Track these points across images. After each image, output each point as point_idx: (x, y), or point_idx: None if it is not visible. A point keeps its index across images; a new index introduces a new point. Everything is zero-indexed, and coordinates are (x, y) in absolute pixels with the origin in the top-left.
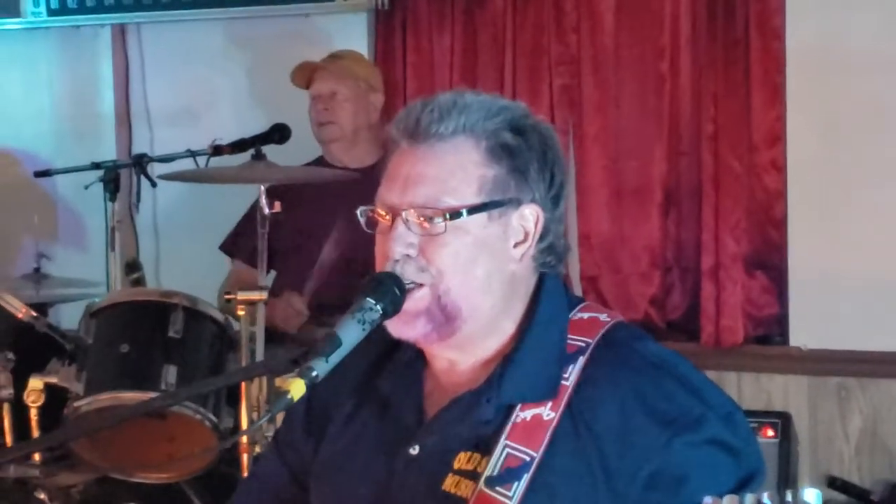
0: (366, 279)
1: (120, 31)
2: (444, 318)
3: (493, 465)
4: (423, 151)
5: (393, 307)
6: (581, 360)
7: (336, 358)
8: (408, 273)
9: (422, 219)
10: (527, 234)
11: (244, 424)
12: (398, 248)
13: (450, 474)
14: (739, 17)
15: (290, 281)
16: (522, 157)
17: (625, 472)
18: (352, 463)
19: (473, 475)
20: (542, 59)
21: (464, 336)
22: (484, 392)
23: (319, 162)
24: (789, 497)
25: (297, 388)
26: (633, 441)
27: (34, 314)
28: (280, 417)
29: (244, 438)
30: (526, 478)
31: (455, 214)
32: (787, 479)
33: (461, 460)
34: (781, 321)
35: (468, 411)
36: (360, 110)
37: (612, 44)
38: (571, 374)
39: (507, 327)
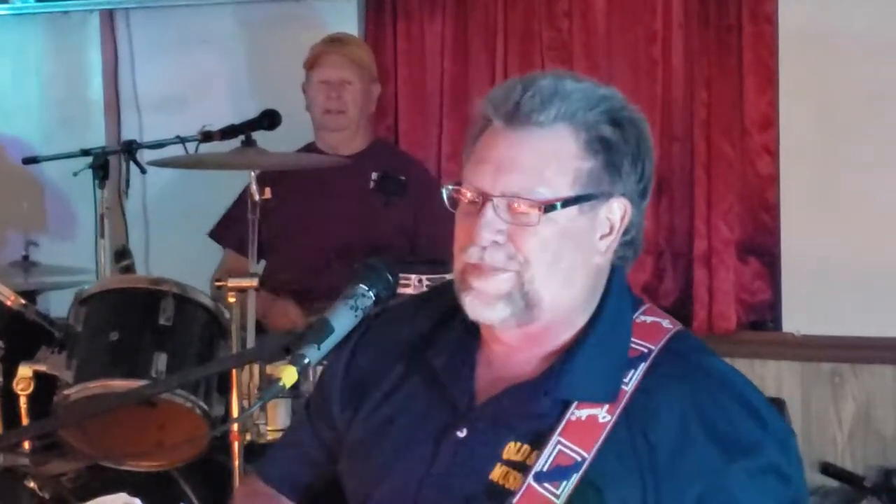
0: (358, 265)
1: (108, 17)
2: (525, 304)
3: (543, 461)
4: (520, 137)
5: (385, 292)
6: (642, 367)
7: (328, 345)
8: (496, 260)
9: (514, 207)
10: (612, 227)
11: (235, 412)
12: (487, 235)
13: (498, 464)
14: (732, 1)
15: (279, 270)
16: (618, 150)
17: (676, 487)
18: (394, 435)
19: (523, 467)
20: (534, 44)
21: (541, 326)
22: (542, 384)
23: (310, 148)
24: None
25: (288, 376)
26: (689, 458)
27: (23, 302)
28: (271, 407)
29: (235, 426)
30: (575, 478)
31: (549, 207)
32: None
33: (510, 450)
34: (774, 307)
35: (524, 402)
36: (366, 100)
37: (603, 29)
38: (631, 380)
39: (580, 321)
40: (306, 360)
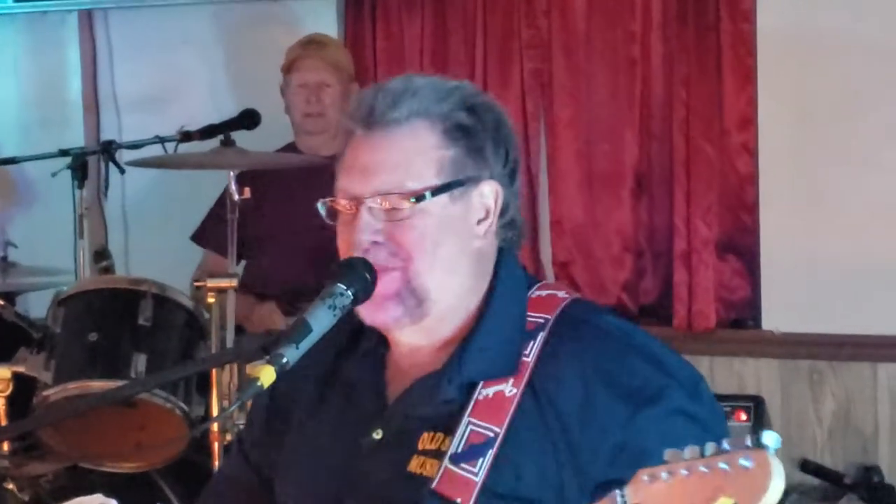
0: (336, 265)
1: (87, 17)
2: (415, 301)
3: (457, 443)
4: (380, 139)
5: (364, 292)
6: (541, 336)
7: (306, 344)
8: (379, 259)
9: (386, 205)
10: (488, 211)
11: (215, 412)
12: (365, 237)
13: (414, 455)
14: (710, 0)
15: (260, 271)
16: (478, 135)
17: (588, 447)
18: (315, 452)
19: (438, 454)
20: (513, 43)
21: (435, 319)
22: (445, 373)
23: (289, 148)
24: (748, 441)
25: (267, 375)
26: (596, 415)
27: (1, 303)
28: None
29: (214, 426)
30: (490, 453)
31: (419, 197)
32: None
33: (425, 441)
34: (754, 305)
35: (430, 392)
36: (345, 101)
37: (583, 28)
38: (532, 351)
39: (473, 306)
40: (284, 360)
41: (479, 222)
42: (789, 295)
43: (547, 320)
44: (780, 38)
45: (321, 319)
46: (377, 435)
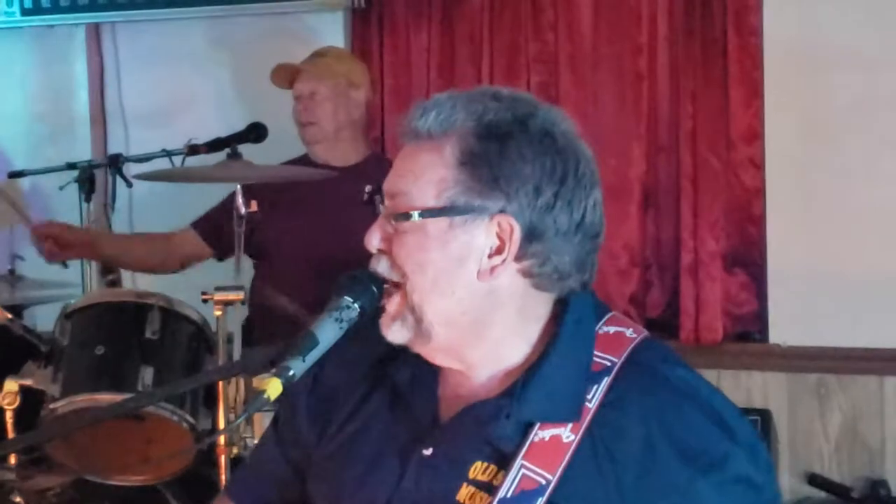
0: (342, 277)
1: (94, 31)
2: (414, 319)
3: (507, 486)
4: (407, 148)
5: (370, 305)
6: (606, 381)
7: (313, 357)
8: (381, 269)
9: (387, 211)
10: (502, 245)
11: (221, 425)
12: (373, 241)
13: (465, 484)
14: (717, 13)
15: (267, 281)
16: (495, 163)
17: (641, 503)
18: (360, 454)
19: (489, 488)
20: (520, 56)
21: (444, 342)
22: (503, 404)
23: (303, 160)
24: None
25: (273, 388)
26: (655, 473)
27: (9, 316)
28: (257, 419)
29: (221, 439)
30: (540, 501)
31: (404, 215)
32: None
33: (477, 470)
34: (761, 318)
35: (486, 422)
36: (340, 108)
37: (589, 41)
38: (595, 396)
39: (506, 339)
40: (291, 373)
41: (490, 255)
42: (796, 308)
43: (614, 363)
44: (786, 51)
45: (328, 332)
46: (427, 451)
